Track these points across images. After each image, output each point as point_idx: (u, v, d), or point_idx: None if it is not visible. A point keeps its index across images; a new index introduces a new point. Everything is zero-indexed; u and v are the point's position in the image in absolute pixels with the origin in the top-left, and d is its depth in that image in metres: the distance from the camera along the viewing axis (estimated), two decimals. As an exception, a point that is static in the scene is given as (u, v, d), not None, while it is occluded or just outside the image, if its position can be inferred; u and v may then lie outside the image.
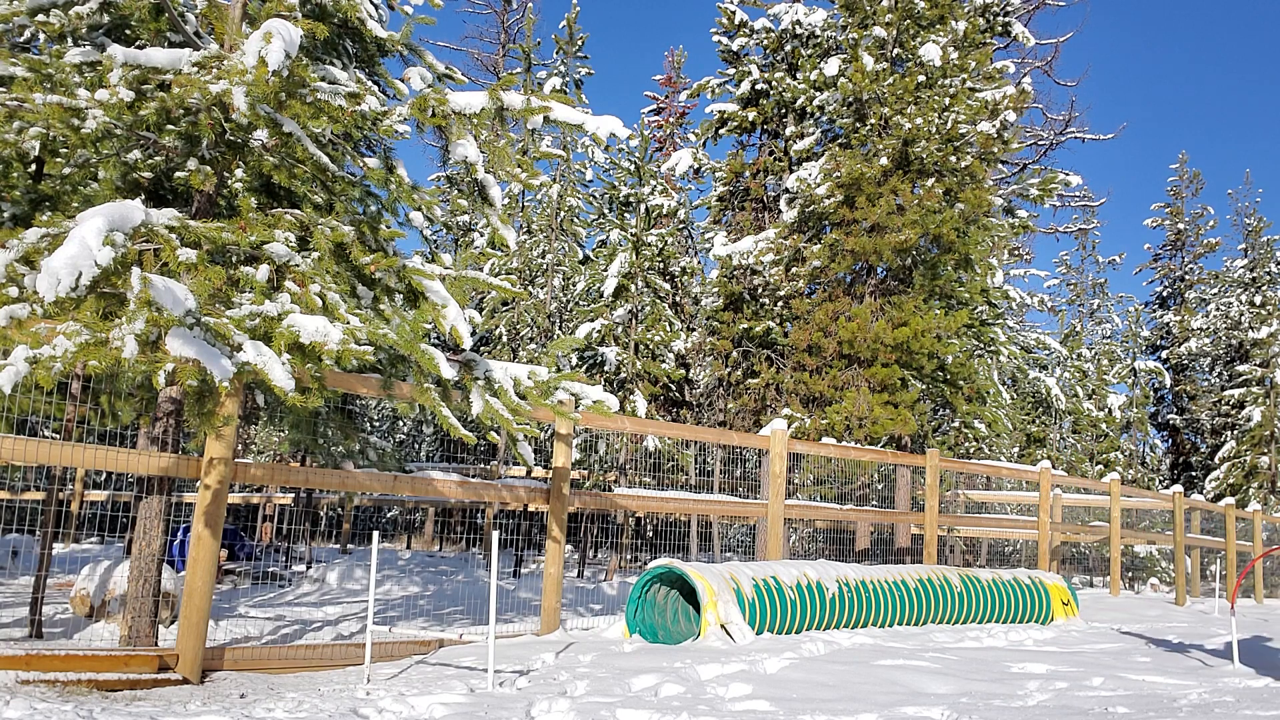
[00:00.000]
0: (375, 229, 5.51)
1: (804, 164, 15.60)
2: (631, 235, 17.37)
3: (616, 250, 17.75)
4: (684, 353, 17.86)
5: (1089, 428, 27.24)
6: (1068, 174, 17.68)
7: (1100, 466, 26.89)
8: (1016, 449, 23.41)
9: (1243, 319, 30.67)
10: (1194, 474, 30.82)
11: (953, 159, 13.80)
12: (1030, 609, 9.03)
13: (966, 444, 17.64)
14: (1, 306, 3.80)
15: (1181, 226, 34.72)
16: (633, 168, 18.13)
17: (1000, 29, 17.74)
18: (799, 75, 16.48)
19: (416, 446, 26.10)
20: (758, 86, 17.23)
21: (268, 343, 4.22)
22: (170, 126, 5.00)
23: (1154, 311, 34.88)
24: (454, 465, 19.03)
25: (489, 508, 17.18)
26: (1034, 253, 31.95)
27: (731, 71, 17.88)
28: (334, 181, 5.49)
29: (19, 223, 5.67)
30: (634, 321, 17.10)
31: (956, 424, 16.65)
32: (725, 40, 17.95)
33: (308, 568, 12.05)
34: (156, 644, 5.50)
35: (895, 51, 14.70)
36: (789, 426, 12.49)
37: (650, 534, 18.04)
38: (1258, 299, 29.92)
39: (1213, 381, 32.48)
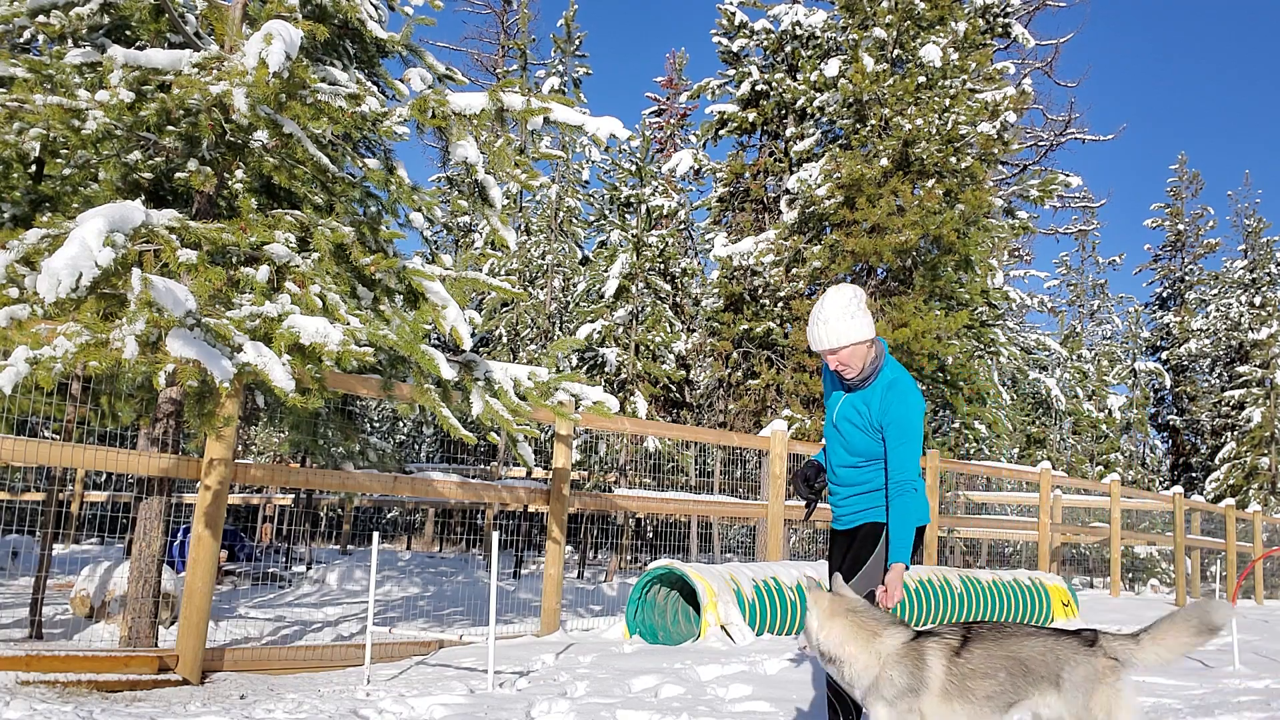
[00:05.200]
0: (375, 230, 5.51)
1: (804, 165, 15.60)
2: (632, 236, 17.37)
3: (617, 251, 17.76)
4: (684, 354, 17.86)
5: (1089, 429, 27.24)
6: (1068, 175, 17.68)
7: (1100, 467, 26.89)
8: (1017, 450, 23.41)
9: (1243, 320, 30.67)
10: (1194, 475, 30.81)
11: (953, 160, 13.80)
12: (1030, 610, 9.03)
13: (967, 445, 17.63)
14: (2, 307, 3.80)
15: (1181, 227, 34.73)
16: (634, 168, 18.14)
17: (1000, 30, 17.75)
18: (799, 76, 16.49)
19: (417, 447, 26.09)
20: (758, 87, 17.23)
21: (268, 344, 4.22)
22: (170, 127, 5.00)
23: (1154, 312, 34.88)
24: (454, 466, 19.03)
25: (489, 508, 17.17)
26: (1034, 254, 31.95)
27: (732, 73, 17.88)
28: (334, 182, 5.49)
29: (19, 223, 5.67)
30: (634, 322, 17.10)
31: (957, 425, 16.65)
32: (725, 41, 17.95)
33: (308, 568, 12.05)
34: (156, 645, 5.50)
35: (895, 52, 14.70)
36: (789, 427, 12.49)
37: (650, 535, 18.03)
38: (1257, 300, 29.93)
39: (1213, 382, 32.48)
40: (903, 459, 3.33)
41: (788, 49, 17.30)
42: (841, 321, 3.36)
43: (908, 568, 3.27)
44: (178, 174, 5.29)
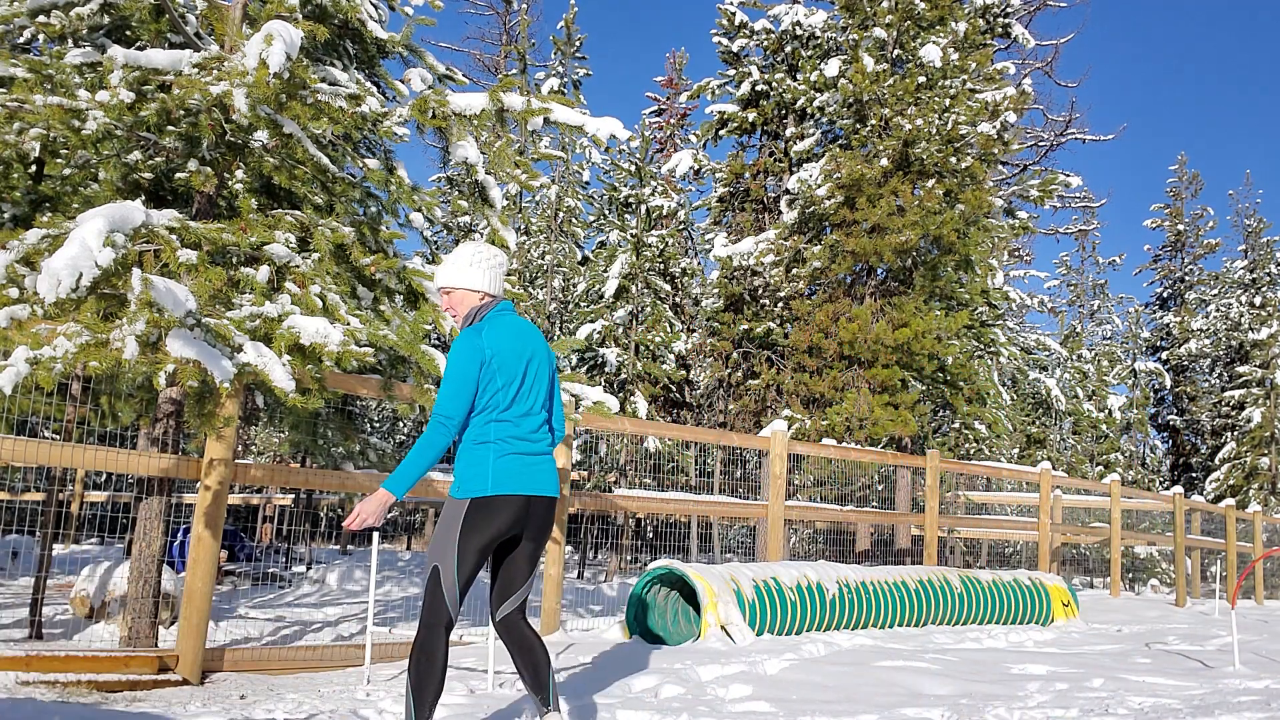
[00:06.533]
0: (375, 230, 5.52)
1: (804, 165, 15.60)
2: (632, 236, 17.37)
3: (616, 251, 17.76)
4: (684, 354, 17.86)
5: (1089, 429, 27.25)
6: (1068, 175, 17.69)
7: (1100, 467, 26.90)
8: (1017, 450, 23.42)
9: (1243, 320, 30.68)
10: (1194, 475, 30.82)
11: (953, 160, 13.80)
12: (1030, 610, 9.02)
13: (967, 445, 17.63)
14: (2, 307, 3.80)
15: (1181, 227, 34.73)
16: (633, 169, 18.14)
17: (1000, 30, 17.74)
18: (799, 76, 16.49)
19: (416, 447, 26.07)
20: (758, 88, 17.22)
21: (268, 344, 4.22)
22: (171, 128, 5.00)
23: (1154, 312, 34.89)
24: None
25: (489, 509, 17.12)
26: (1034, 254, 31.94)
27: (732, 73, 17.87)
28: (334, 183, 5.50)
29: (19, 224, 5.67)
30: (634, 323, 17.10)
31: (957, 425, 16.65)
32: (725, 41, 17.95)
33: (308, 569, 12.05)
34: (156, 645, 5.50)
35: (895, 53, 14.70)
36: (789, 428, 12.49)
37: (650, 535, 18.03)
38: (1257, 300, 29.93)
39: (1213, 382, 32.50)
40: (439, 395, 3.32)
41: (788, 49, 17.30)
42: (458, 267, 3.46)
43: (398, 502, 3.23)
44: (178, 174, 5.30)
